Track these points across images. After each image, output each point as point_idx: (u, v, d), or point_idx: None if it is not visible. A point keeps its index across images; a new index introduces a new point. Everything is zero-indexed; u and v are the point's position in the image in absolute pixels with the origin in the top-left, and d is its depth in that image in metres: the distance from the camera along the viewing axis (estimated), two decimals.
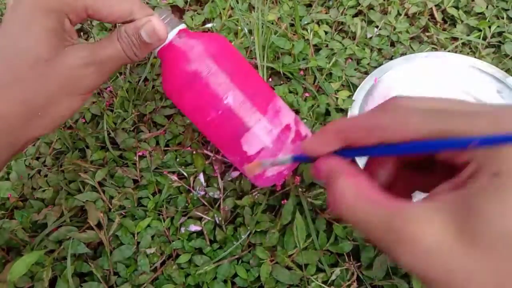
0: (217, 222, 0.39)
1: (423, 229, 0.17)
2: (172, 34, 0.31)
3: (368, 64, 0.51)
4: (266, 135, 0.33)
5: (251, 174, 0.34)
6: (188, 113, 0.35)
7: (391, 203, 0.19)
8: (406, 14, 0.56)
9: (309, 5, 0.57)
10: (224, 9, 0.52)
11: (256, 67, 0.46)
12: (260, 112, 0.33)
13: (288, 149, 0.33)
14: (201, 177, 0.41)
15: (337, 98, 0.46)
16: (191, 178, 0.40)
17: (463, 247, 0.17)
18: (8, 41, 0.26)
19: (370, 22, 0.55)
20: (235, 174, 0.41)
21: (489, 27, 0.54)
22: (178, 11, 0.55)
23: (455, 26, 0.56)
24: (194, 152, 0.42)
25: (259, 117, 0.33)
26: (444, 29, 0.56)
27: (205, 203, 0.40)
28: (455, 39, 0.54)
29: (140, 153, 0.42)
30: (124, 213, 0.39)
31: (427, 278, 0.17)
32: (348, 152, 0.22)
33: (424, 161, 0.23)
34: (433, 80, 0.49)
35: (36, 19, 0.26)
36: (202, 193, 0.40)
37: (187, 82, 0.32)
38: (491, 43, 0.53)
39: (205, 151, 0.42)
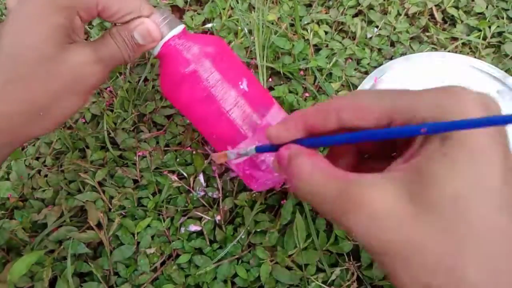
0: (217, 222, 0.39)
1: (377, 196, 0.18)
2: (171, 35, 0.31)
3: (368, 64, 0.51)
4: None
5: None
6: (185, 114, 0.35)
7: (346, 175, 0.20)
8: (406, 14, 0.56)
9: (309, 5, 0.57)
10: (224, 9, 0.52)
11: (256, 67, 0.46)
12: (257, 119, 0.33)
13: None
14: (201, 177, 0.41)
15: None
16: (191, 179, 0.40)
17: (414, 211, 0.17)
18: (15, 36, 0.26)
19: (370, 22, 0.55)
20: (233, 174, 0.41)
21: (489, 27, 0.54)
22: (178, 11, 0.55)
23: (455, 26, 0.56)
24: (194, 152, 0.42)
25: (255, 125, 0.33)
26: (444, 29, 0.56)
27: (205, 204, 0.40)
28: (455, 39, 0.54)
29: (140, 153, 0.42)
30: (124, 213, 0.39)
31: (378, 245, 0.18)
32: (308, 141, 0.23)
33: (385, 149, 0.24)
34: (433, 80, 0.49)
35: (46, 15, 0.26)
36: (202, 193, 0.40)
37: (183, 83, 0.32)
38: (491, 43, 0.53)
39: (205, 151, 0.42)
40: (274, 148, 0.24)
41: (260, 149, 0.26)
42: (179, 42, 0.32)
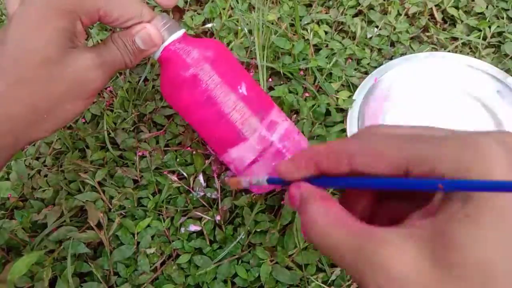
0: (217, 222, 0.39)
1: (396, 255, 0.17)
2: (171, 39, 0.32)
3: (368, 64, 0.51)
4: (256, 150, 0.33)
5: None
6: (185, 117, 0.35)
7: (363, 228, 0.19)
8: (406, 14, 0.56)
9: (309, 5, 0.57)
10: (224, 9, 0.52)
11: (256, 67, 0.46)
12: (256, 124, 0.33)
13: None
14: (201, 177, 0.41)
15: (337, 98, 0.46)
16: (191, 179, 0.40)
17: (437, 276, 0.16)
18: (18, 40, 0.26)
19: (370, 22, 0.55)
20: (231, 174, 0.41)
21: (489, 27, 0.54)
22: (178, 12, 0.55)
23: (455, 26, 0.56)
24: (194, 152, 0.42)
25: (254, 129, 0.33)
26: (444, 29, 0.56)
27: (205, 204, 0.40)
28: (455, 39, 0.54)
29: (140, 153, 0.42)
30: (124, 213, 0.39)
31: None
32: (320, 181, 0.22)
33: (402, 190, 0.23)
34: (433, 80, 0.49)
35: (48, 19, 0.26)
36: (202, 193, 0.40)
37: (183, 86, 0.32)
38: (491, 43, 0.53)
39: (205, 151, 0.42)
40: (285, 182, 0.23)
41: (271, 181, 0.26)
42: (179, 46, 0.32)
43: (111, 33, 0.30)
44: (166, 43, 0.32)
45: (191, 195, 0.40)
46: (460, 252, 0.16)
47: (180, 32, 0.32)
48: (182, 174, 0.41)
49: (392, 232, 0.18)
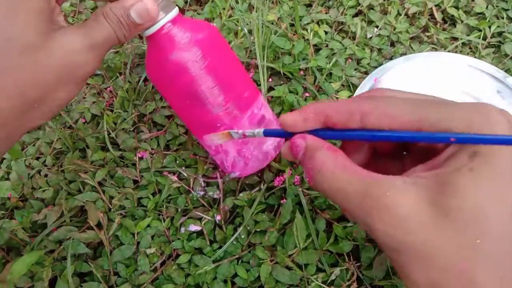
0: (217, 222, 0.39)
1: (400, 198, 0.19)
2: (166, 19, 0.30)
3: (368, 64, 0.51)
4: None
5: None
6: (168, 99, 0.35)
7: (370, 174, 0.20)
8: (406, 14, 0.56)
9: (309, 5, 0.57)
10: (224, 9, 0.52)
11: (256, 67, 0.46)
12: (240, 111, 0.33)
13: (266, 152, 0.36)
14: (200, 178, 0.41)
15: (337, 98, 0.46)
16: (191, 180, 0.40)
17: (436, 219, 0.18)
18: (15, 37, 0.23)
19: (370, 22, 0.55)
20: (234, 174, 0.41)
21: (489, 27, 0.54)
22: None
23: (455, 26, 0.56)
24: (197, 157, 0.42)
25: (238, 116, 0.33)
26: (444, 29, 0.56)
27: (205, 204, 0.40)
28: (455, 39, 0.54)
29: (140, 155, 0.42)
30: (124, 213, 0.39)
31: (398, 244, 0.19)
32: (325, 133, 0.22)
33: (398, 148, 0.24)
34: (433, 80, 0.49)
35: (22, 1, 0.23)
36: (202, 193, 0.40)
37: (171, 68, 0.31)
38: (491, 43, 0.53)
39: (206, 154, 0.42)
40: (286, 134, 0.23)
41: (269, 133, 0.25)
42: (173, 27, 0.31)
43: (102, 7, 0.27)
44: (160, 22, 0.30)
45: (191, 195, 0.40)
46: (459, 198, 0.18)
47: (175, 12, 0.31)
48: (182, 174, 0.41)
49: (397, 179, 0.19)
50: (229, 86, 0.33)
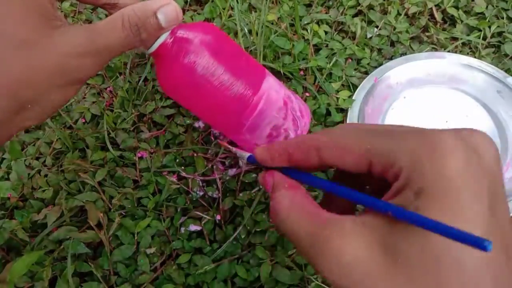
0: (217, 222, 0.39)
1: (347, 243, 0.18)
2: (168, 31, 0.29)
3: (368, 64, 0.51)
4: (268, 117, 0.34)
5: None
6: (189, 106, 0.35)
7: (322, 215, 0.19)
8: (406, 14, 0.56)
9: (309, 5, 0.57)
10: (224, 9, 0.52)
11: None
12: (252, 91, 0.33)
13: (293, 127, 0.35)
14: (198, 177, 0.41)
15: (337, 98, 0.46)
16: (190, 180, 0.40)
17: (386, 265, 0.17)
18: (9, 35, 0.22)
19: (370, 22, 0.55)
20: (232, 172, 0.41)
21: (489, 27, 0.54)
22: None
23: (455, 26, 0.56)
24: (195, 155, 0.42)
25: (249, 98, 0.33)
26: (444, 29, 0.56)
27: (204, 204, 0.40)
28: (455, 39, 0.54)
29: (140, 155, 0.42)
30: (124, 213, 0.39)
31: None
32: (291, 173, 0.23)
33: (359, 181, 0.24)
34: (433, 80, 0.49)
35: None
36: (201, 193, 0.40)
37: (184, 73, 0.30)
38: (491, 43, 0.53)
39: (205, 154, 0.42)
40: (263, 166, 0.24)
41: (251, 160, 0.27)
42: (179, 34, 0.30)
43: (123, 10, 0.25)
44: (165, 35, 0.29)
45: (190, 196, 0.40)
46: (406, 244, 0.16)
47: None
48: (182, 175, 0.41)
49: (347, 220, 0.18)
50: (241, 71, 0.33)
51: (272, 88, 0.34)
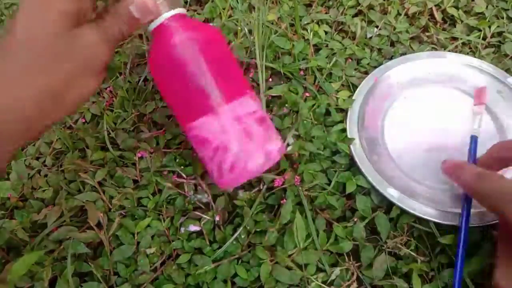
0: (216, 222, 0.39)
1: None
2: (168, 14, 0.32)
3: (368, 64, 0.51)
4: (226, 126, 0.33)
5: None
6: (162, 90, 0.36)
7: None
8: (406, 14, 0.56)
9: (309, 5, 0.57)
10: (224, 9, 0.52)
11: (256, 67, 0.46)
12: (224, 100, 0.33)
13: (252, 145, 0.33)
14: (191, 181, 0.41)
15: (337, 98, 0.46)
16: (185, 185, 0.40)
17: None
18: (25, 22, 0.26)
19: (370, 22, 0.55)
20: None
21: (489, 27, 0.54)
22: None
23: (455, 26, 0.56)
24: (193, 155, 0.42)
25: (221, 104, 0.33)
26: (444, 29, 0.56)
27: (202, 206, 0.40)
28: (455, 39, 0.54)
29: (140, 155, 0.42)
30: (124, 213, 0.39)
31: None
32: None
33: None
34: (433, 80, 0.49)
35: (50, 2, 0.27)
36: (200, 196, 0.40)
37: (168, 63, 0.32)
38: (491, 43, 0.53)
39: None
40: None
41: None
42: (174, 23, 0.32)
43: (111, 6, 0.30)
44: (162, 18, 0.32)
45: (188, 198, 0.40)
46: None
47: (178, 10, 0.33)
48: (182, 175, 0.41)
49: None
50: (220, 75, 0.33)
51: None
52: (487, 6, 0.56)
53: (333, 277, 0.36)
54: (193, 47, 0.32)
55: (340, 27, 0.54)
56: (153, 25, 0.33)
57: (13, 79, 0.26)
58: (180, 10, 0.33)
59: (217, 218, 0.39)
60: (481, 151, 0.40)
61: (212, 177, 0.35)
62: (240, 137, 0.33)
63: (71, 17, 0.27)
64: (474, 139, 0.42)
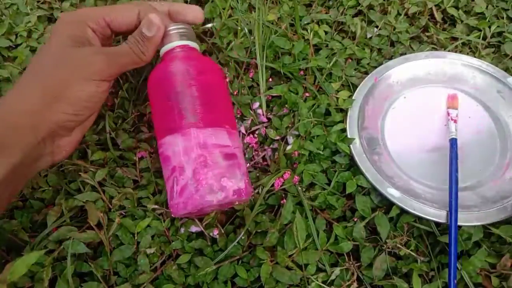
0: (217, 223, 0.39)
1: None
2: (178, 43, 0.36)
3: (368, 64, 0.51)
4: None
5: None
6: (153, 108, 0.38)
7: None
8: (406, 14, 0.56)
9: (309, 5, 0.57)
10: (224, 9, 0.52)
11: (256, 67, 0.46)
12: (204, 124, 0.35)
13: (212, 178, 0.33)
14: None
15: (337, 98, 0.46)
16: None
17: None
18: (42, 47, 0.36)
19: (370, 22, 0.55)
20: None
21: (489, 27, 0.54)
22: None
23: (455, 26, 0.56)
24: None
25: (200, 126, 0.34)
26: (444, 29, 0.56)
27: None
28: (455, 39, 0.54)
29: (140, 155, 0.42)
30: (124, 213, 0.39)
31: None
32: None
33: None
34: (433, 80, 0.49)
35: (61, 29, 0.35)
36: None
37: (159, 81, 0.36)
38: (491, 43, 0.53)
39: None
40: None
41: None
42: (179, 52, 0.36)
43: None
44: (174, 43, 0.36)
45: None
46: None
47: (188, 42, 0.37)
48: None
49: None
50: (201, 102, 0.35)
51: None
52: (487, 6, 0.56)
53: (333, 277, 0.36)
54: (184, 72, 0.35)
55: (340, 27, 0.54)
56: (163, 50, 0.37)
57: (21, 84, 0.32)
58: (189, 43, 0.37)
59: (217, 219, 0.39)
60: (481, 150, 0.40)
61: (167, 199, 0.36)
62: (198, 163, 0.33)
63: (72, 39, 0.34)
64: (453, 141, 0.42)
